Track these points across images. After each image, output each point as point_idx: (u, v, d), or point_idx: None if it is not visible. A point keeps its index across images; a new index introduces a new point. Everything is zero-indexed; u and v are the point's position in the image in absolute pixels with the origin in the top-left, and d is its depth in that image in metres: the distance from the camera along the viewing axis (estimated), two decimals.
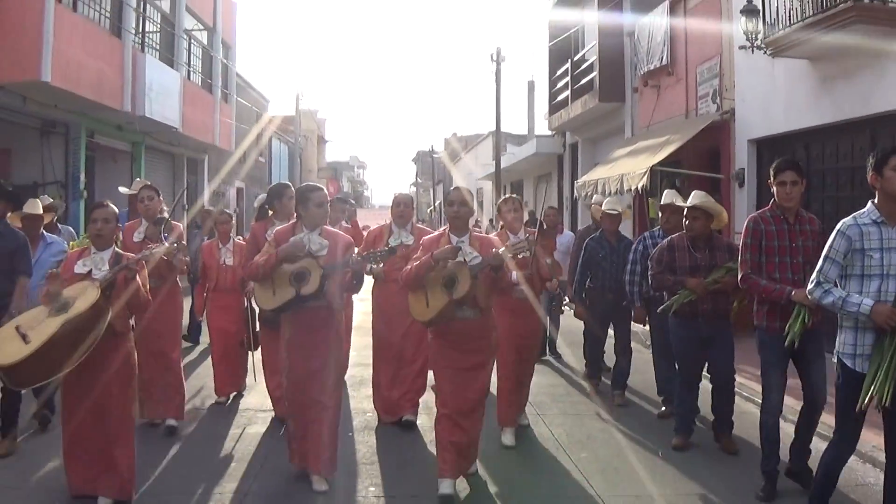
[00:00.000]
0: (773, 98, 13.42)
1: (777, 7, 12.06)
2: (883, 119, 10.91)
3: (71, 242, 8.40)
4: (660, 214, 8.95)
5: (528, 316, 7.74)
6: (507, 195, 8.36)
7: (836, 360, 5.28)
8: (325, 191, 6.63)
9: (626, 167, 16.14)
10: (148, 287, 6.32)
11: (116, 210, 6.41)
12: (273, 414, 8.53)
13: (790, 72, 12.79)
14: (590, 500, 6.33)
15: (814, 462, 5.81)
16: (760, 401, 6.51)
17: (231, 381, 9.38)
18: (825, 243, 5.53)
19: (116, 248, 6.31)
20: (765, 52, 12.56)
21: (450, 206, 6.53)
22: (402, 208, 8.64)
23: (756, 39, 12.82)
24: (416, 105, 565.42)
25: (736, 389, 8.02)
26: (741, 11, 13.05)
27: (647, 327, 9.47)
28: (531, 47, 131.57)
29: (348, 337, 9.55)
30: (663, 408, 8.87)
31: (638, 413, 9.02)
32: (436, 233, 6.93)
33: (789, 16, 11.70)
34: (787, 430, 6.74)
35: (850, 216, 5.22)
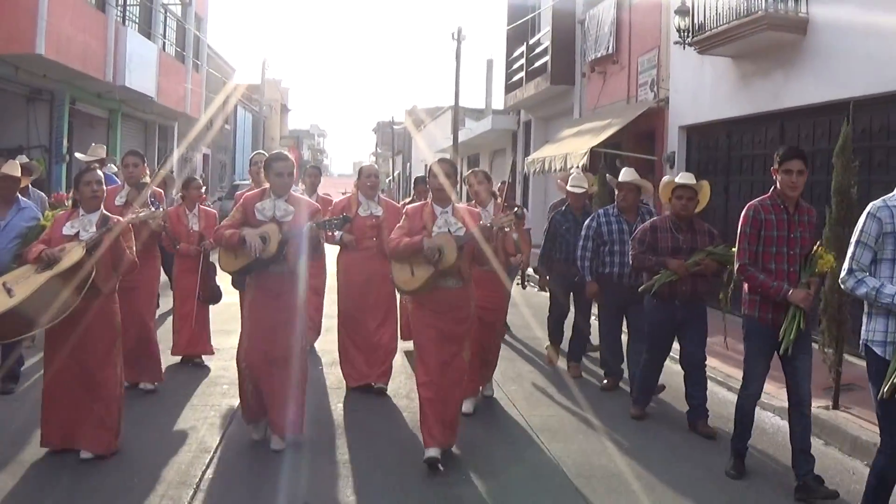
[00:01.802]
0: (702, 90, 14.88)
1: (705, 9, 13.57)
2: (791, 113, 12.40)
3: (46, 213, 8.28)
4: (616, 192, 9.02)
5: (491, 287, 7.66)
6: (475, 168, 8.43)
7: (863, 349, 4.98)
8: (290, 161, 6.69)
9: (571, 147, 17.54)
10: (134, 249, 6.48)
11: (102, 174, 6.61)
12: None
13: (716, 67, 14.24)
14: (510, 419, 7.79)
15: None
16: (740, 387, 6.47)
17: (194, 342, 9.34)
18: (818, 234, 5.87)
19: (104, 211, 6.41)
20: (695, 50, 14.05)
21: (434, 177, 6.52)
22: (373, 179, 8.70)
23: (688, 37, 14.26)
24: (377, 76, 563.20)
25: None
26: (675, 11, 14.54)
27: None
28: (491, 27, 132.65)
29: (320, 299, 10.18)
30: (605, 381, 9.01)
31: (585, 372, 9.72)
32: (419, 203, 7.06)
33: (715, 19, 13.21)
34: (770, 421, 7.90)
35: (880, 199, 4.94)
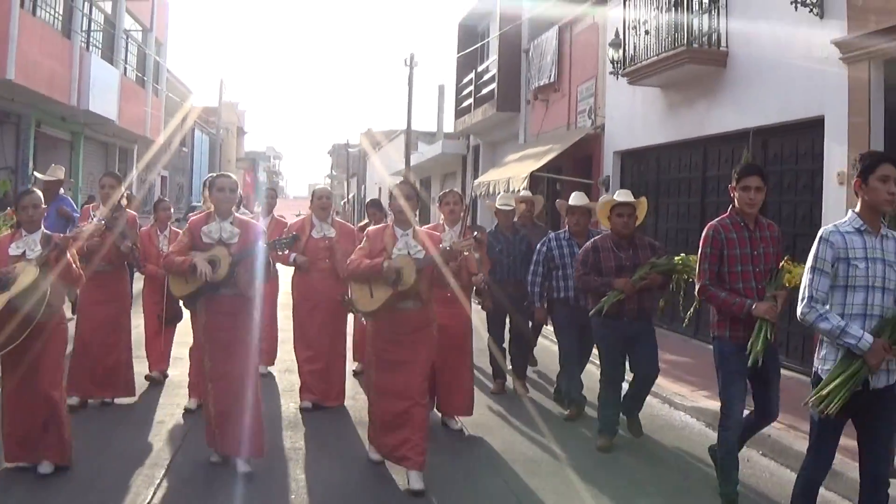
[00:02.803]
0: (634, 117, 15.84)
1: (635, 43, 14.62)
2: (713, 139, 13.33)
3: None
4: (568, 216, 8.92)
5: (452, 306, 7.65)
6: (448, 189, 8.56)
7: (814, 377, 4.91)
8: (233, 178, 6.79)
9: (514, 171, 18.42)
10: (78, 263, 6.59)
11: (41, 195, 6.65)
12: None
13: (646, 97, 15.20)
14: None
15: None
16: (720, 420, 6.11)
17: (159, 360, 9.62)
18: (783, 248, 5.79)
19: (44, 230, 6.51)
20: (627, 80, 15.06)
21: (394, 200, 6.61)
22: (324, 201, 8.87)
23: (620, 68, 15.29)
24: (332, 100, 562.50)
25: (661, 394, 9.29)
26: (609, 44, 15.62)
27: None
28: (442, 53, 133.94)
29: (274, 319, 10.37)
30: (566, 411, 8.83)
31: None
32: (380, 225, 7.04)
33: (644, 51, 14.25)
34: (681, 419, 8.80)
35: (831, 224, 4.89)
